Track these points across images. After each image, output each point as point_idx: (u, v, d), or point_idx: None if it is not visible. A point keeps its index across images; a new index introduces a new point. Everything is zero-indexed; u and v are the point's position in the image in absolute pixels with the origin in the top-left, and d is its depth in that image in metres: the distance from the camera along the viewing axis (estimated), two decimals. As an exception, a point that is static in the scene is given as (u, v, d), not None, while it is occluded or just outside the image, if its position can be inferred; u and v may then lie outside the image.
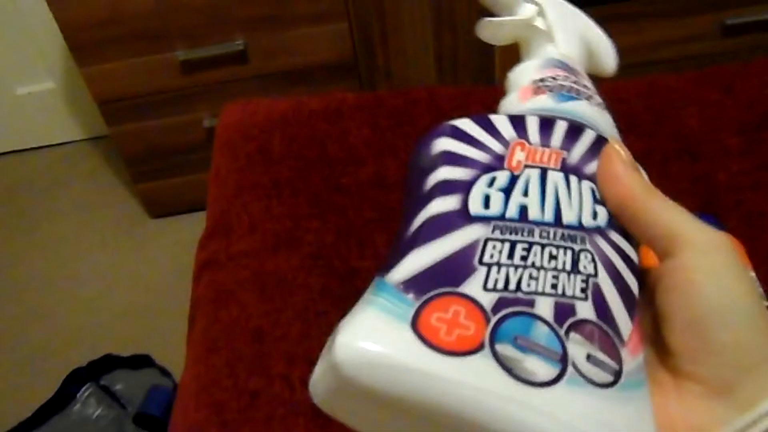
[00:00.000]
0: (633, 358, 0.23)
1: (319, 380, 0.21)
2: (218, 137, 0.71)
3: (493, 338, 0.21)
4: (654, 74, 0.77)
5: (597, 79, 0.32)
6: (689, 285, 0.23)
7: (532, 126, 0.26)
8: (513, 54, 0.33)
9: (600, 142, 0.27)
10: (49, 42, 1.47)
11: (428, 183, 0.25)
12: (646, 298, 0.25)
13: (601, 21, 0.33)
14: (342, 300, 0.57)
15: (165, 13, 1.16)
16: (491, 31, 0.33)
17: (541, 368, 0.21)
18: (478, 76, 1.34)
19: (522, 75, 0.30)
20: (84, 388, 0.97)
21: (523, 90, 0.29)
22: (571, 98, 0.28)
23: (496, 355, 0.20)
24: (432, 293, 0.21)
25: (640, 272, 0.25)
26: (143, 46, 1.19)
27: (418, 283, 0.22)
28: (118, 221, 1.46)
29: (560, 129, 0.26)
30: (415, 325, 0.20)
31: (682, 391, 0.23)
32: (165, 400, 0.92)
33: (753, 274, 0.52)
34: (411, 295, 0.21)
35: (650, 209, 0.25)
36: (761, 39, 1.30)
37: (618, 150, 0.26)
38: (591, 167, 0.26)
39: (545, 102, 0.28)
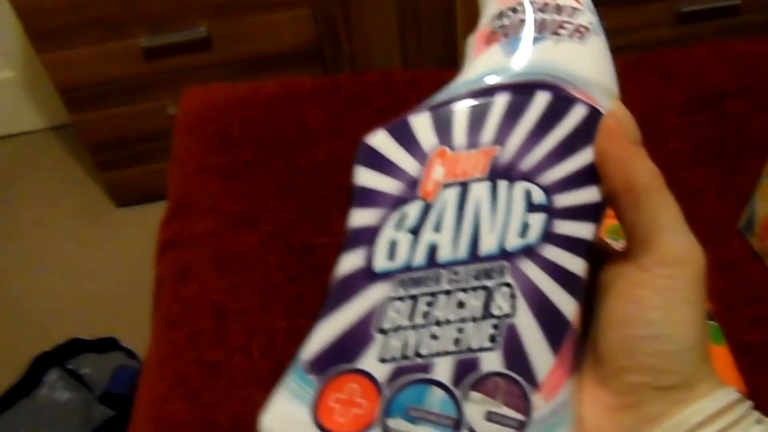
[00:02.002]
0: (548, 401, 0.22)
1: None
2: (178, 121, 0.72)
3: (386, 413, 0.21)
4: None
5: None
6: (636, 303, 0.22)
7: (460, 120, 0.23)
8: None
9: (558, 103, 0.23)
10: (7, 29, 1.45)
11: (346, 228, 0.24)
12: (602, 286, 0.23)
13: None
14: (300, 275, 0.59)
15: (127, -1, 1.16)
16: None
17: None
18: (442, 61, 1.36)
19: (485, 5, 0.26)
20: (50, 372, 0.97)
21: (478, 38, 0.25)
22: (528, 42, 0.24)
23: (386, 431, 0.21)
24: (330, 373, 0.22)
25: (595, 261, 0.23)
26: (105, 33, 1.19)
27: (321, 363, 0.22)
28: (83, 210, 1.45)
29: (496, 112, 0.23)
30: (314, 408, 0.21)
31: (597, 397, 0.23)
32: (131, 380, 0.93)
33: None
34: (314, 377, 0.22)
35: (643, 206, 0.22)
36: (715, 25, 1.34)
37: (618, 124, 0.23)
38: (531, 157, 0.23)
39: (495, 58, 0.24)
